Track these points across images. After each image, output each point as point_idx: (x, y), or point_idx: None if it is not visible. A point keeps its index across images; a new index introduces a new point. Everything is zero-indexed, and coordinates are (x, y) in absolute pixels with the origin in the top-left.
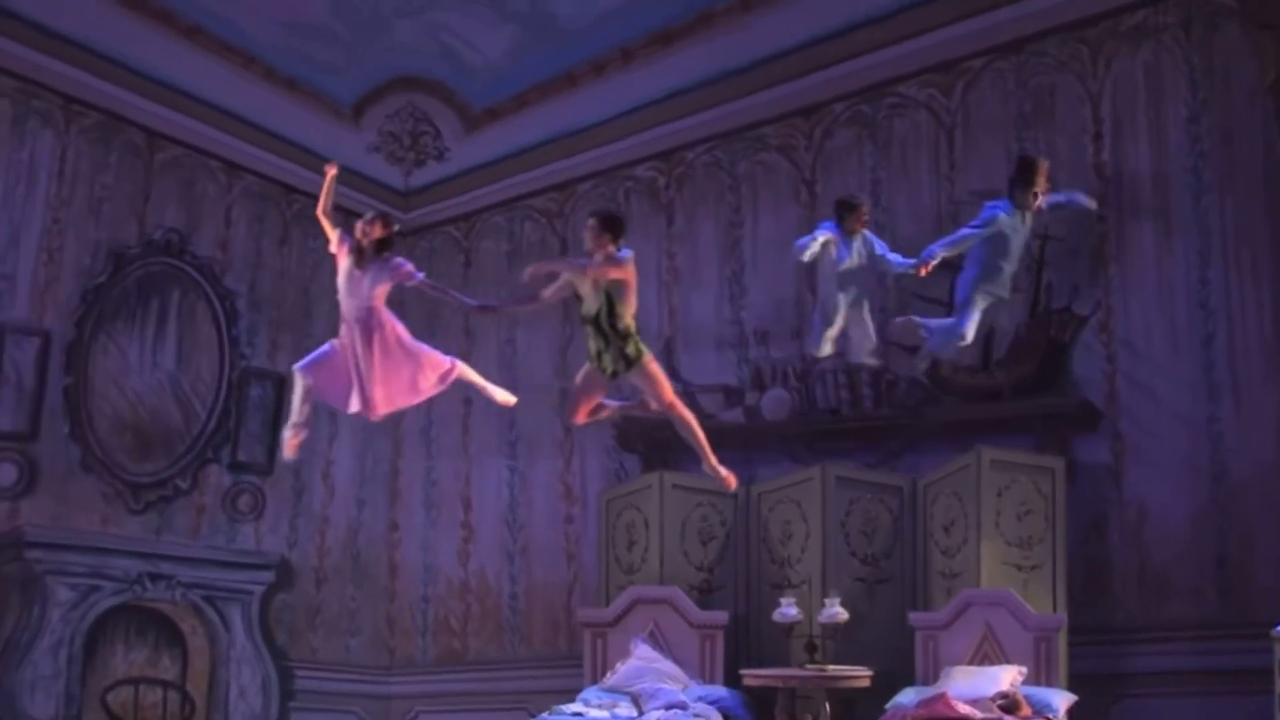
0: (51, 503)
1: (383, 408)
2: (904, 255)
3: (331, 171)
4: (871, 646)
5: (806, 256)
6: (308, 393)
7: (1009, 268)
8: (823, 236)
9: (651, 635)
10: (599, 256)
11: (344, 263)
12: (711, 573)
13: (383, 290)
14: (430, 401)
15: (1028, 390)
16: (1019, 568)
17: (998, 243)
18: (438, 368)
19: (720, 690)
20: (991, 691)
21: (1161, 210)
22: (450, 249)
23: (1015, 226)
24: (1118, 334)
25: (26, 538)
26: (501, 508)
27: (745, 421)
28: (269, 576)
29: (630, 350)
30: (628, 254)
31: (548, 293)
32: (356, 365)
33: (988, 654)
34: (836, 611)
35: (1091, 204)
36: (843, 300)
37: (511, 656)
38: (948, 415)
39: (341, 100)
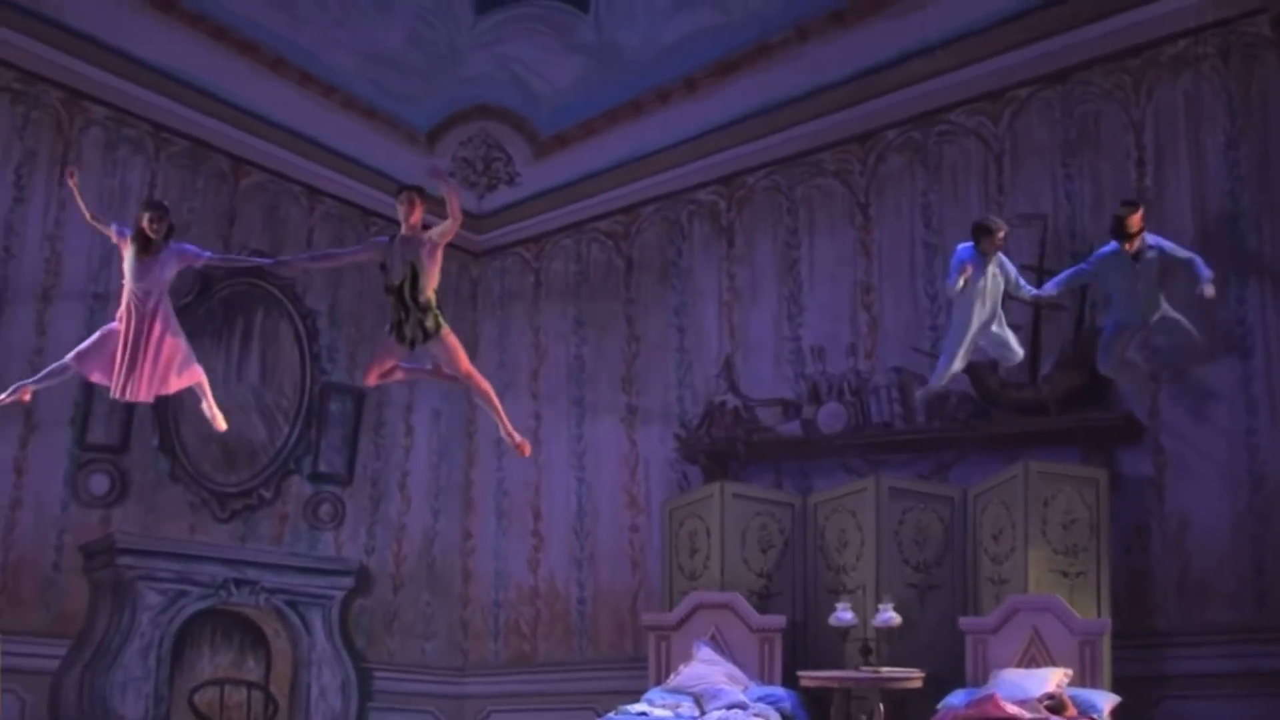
0: (142, 512)
1: (145, 393)
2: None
3: (72, 181)
4: (923, 650)
5: (958, 289)
6: (62, 371)
7: (1124, 301)
8: (965, 271)
9: (713, 638)
10: (444, 227)
11: (128, 252)
12: (770, 579)
13: (171, 275)
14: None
15: (1073, 404)
16: (1065, 574)
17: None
18: (190, 369)
19: (779, 691)
20: (1038, 693)
21: (1201, 231)
22: (521, 269)
23: (1120, 266)
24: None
25: (118, 545)
26: (570, 517)
27: (802, 434)
28: (348, 582)
29: (429, 323)
30: (431, 230)
31: (346, 259)
32: (129, 350)
33: (1035, 657)
34: (890, 616)
35: (1209, 277)
36: (976, 320)
37: (579, 659)
38: (996, 428)
39: (417, 127)
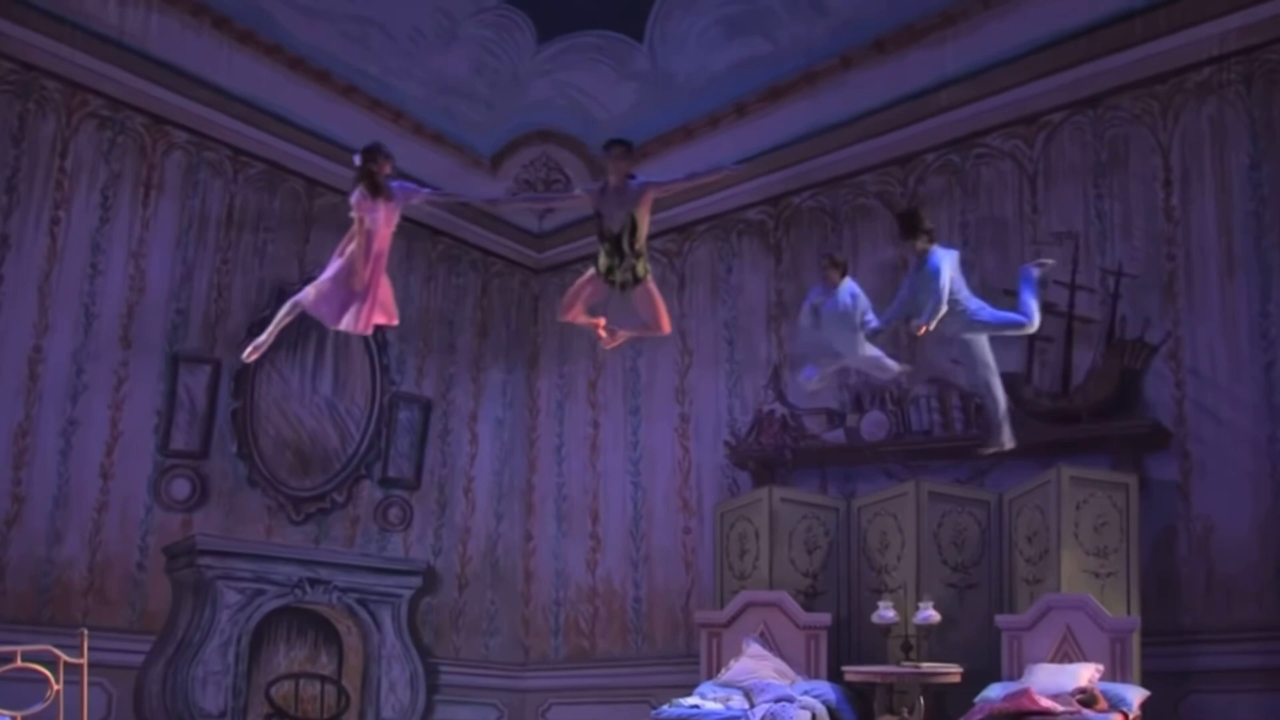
0: (221, 515)
1: (365, 326)
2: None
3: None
4: (961, 646)
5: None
6: (293, 310)
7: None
8: (812, 301)
9: (762, 635)
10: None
11: (357, 192)
12: (816, 579)
13: (398, 213)
14: (562, 421)
15: (1104, 413)
16: (1096, 575)
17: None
18: (390, 310)
19: (824, 685)
20: (1071, 687)
21: (1225, 249)
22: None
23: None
24: (1186, 362)
25: (198, 546)
26: (626, 520)
27: (846, 441)
28: (416, 582)
29: (640, 269)
30: (640, 180)
31: (558, 203)
32: (357, 285)
33: (1067, 653)
34: (930, 614)
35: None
36: (839, 345)
37: (635, 654)
38: (1031, 436)
39: (481, 151)
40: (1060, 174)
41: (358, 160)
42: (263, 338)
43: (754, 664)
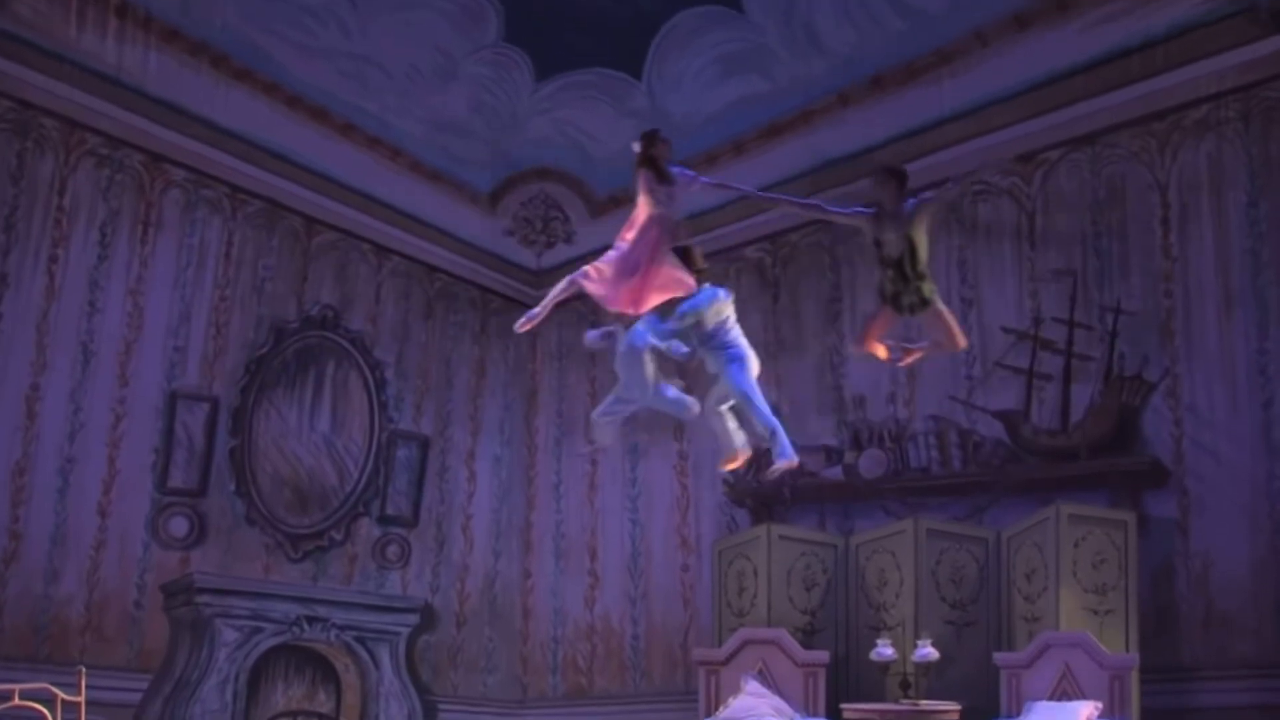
0: (219, 552)
1: (640, 307)
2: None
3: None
4: (960, 684)
5: (592, 346)
6: (568, 286)
7: None
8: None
9: (760, 673)
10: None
11: (643, 178)
12: (814, 616)
13: (680, 198)
14: (560, 459)
15: (1103, 450)
16: (1095, 612)
17: None
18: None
19: None
20: None
21: (1223, 287)
22: (577, 322)
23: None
24: (1184, 399)
25: (196, 584)
26: (624, 557)
27: (844, 479)
28: (414, 619)
29: (925, 290)
30: (913, 202)
31: (834, 216)
32: (633, 267)
33: (1066, 691)
34: (928, 652)
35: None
36: (632, 383)
37: (633, 692)
38: (1029, 473)
39: (480, 189)
40: (1058, 211)
41: (637, 146)
42: (538, 310)
43: (752, 701)
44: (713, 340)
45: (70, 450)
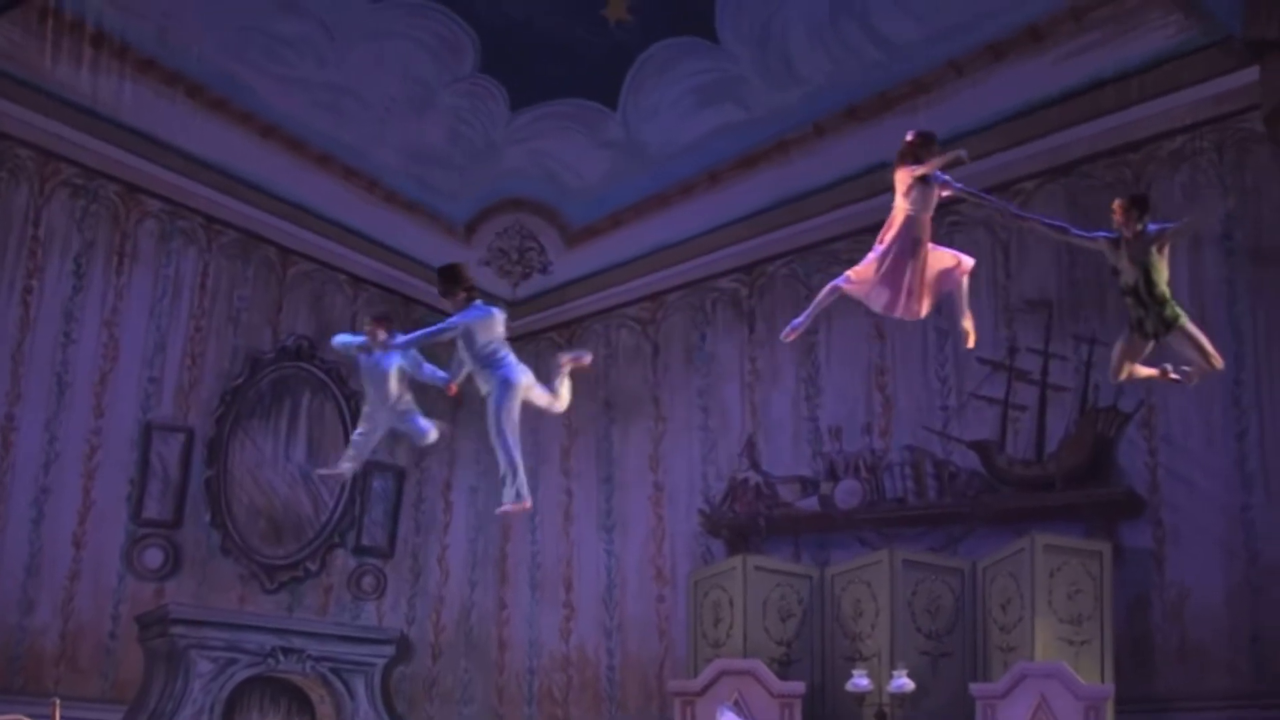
0: (193, 583)
1: (923, 309)
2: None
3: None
4: (936, 714)
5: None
6: (831, 294)
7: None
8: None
9: (736, 704)
10: (1129, 234)
11: (902, 176)
12: (790, 647)
13: (934, 202)
14: (535, 490)
15: (1078, 481)
16: (1070, 642)
17: None
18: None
19: None
20: None
21: (1199, 317)
22: (553, 353)
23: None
24: (1159, 430)
25: (171, 615)
26: (599, 588)
27: (820, 509)
28: (390, 651)
29: (1168, 313)
30: (1151, 228)
31: (1076, 239)
32: (901, 270)
33: None
34: (904, 682)
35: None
36: (378, 402)
37: None
38: (1005, 503)
39: (455, 219)
40: (1033, 241)
41: (910, 136)
42: (801, 319)
43: None
44: (485, 360)
45: (45, 480)
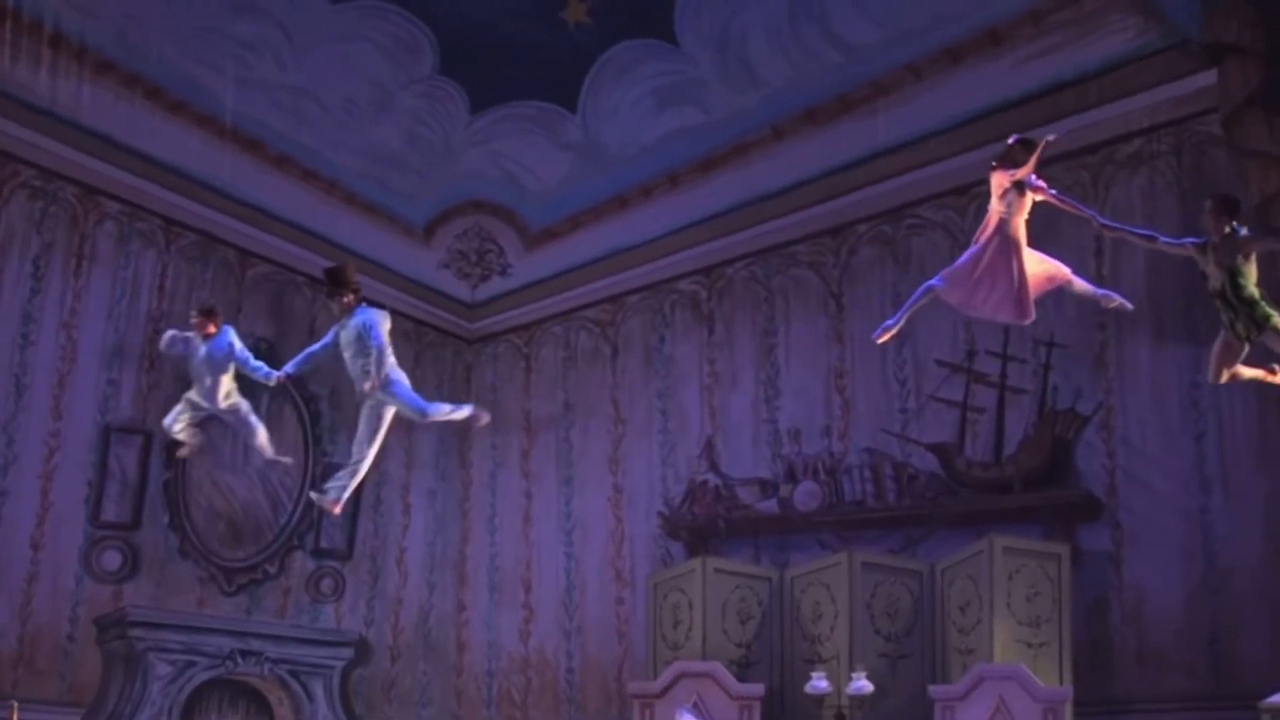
0: (152, 586)
1: (995, 313)
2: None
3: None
4: (894, 716)
5: (165, 349)
6: (925, 293)
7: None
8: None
9: (695, 706)
10: (1217, 238)
11: (996, 178)
12: (749, 649)
13: (1028, 206)
14: (495, 492)
15: (1036, 483)
16: (1029, 645)
17: None
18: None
19: None
20: None
21: (1156, 320)
22: (512, 355)
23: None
24: (1117, 432)
25: (129, 618)
26: (559, 590)
27: (779, 511)
28: (348, 653)
29: (1259, 314)
30: (1241, 231)
31: (1166, 247)
32: (989, 269)
33: None
34: (863, 684)
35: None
36: (196, 391)
37: None
38: (963, 505)
39: (414, 221)
40: None
41: (1011, 140)
42: (893, 320)
43: None
44: (372, 362)
45: (3, 483)
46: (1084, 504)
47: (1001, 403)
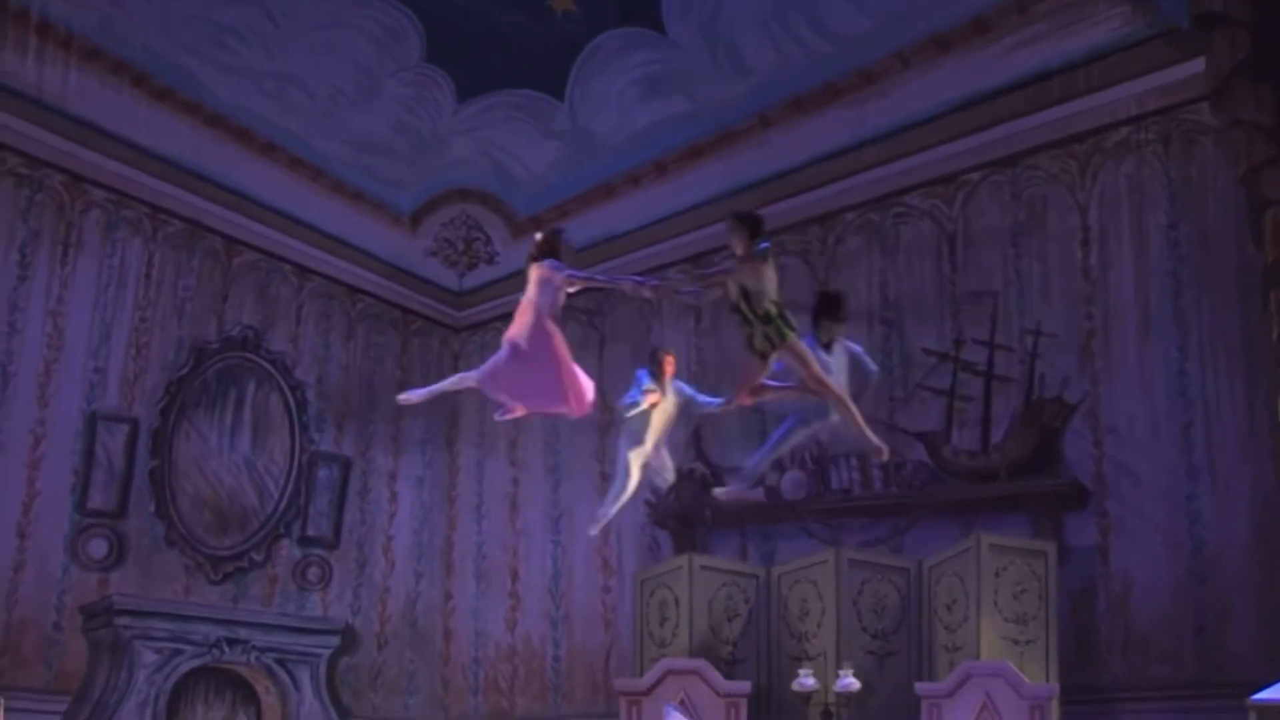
0: (138, 574)
1: (588, 404)
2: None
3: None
4: (881, 714)
5: (631, 414)
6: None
7: None
8: (650, 398)
9: (682, 703)
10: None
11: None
12: (736, 646)
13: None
14: (481, 480)
15: (1023, 472)
16: (1015, 642)
17: None
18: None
19: None
20: None
21: (1144, 308)
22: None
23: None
24: (1104, 421)
25: (115, 606)
26: (545, 579)
27: (766, 500)
28: (335, 641)
29: (773, 332)
30: (764, 247)
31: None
32: (556, 367)
33: None
34: (850, 682)
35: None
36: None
37: (555, 714)
38: (950, 494)
39: (401, 210)
40: (979, 233)
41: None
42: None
43: None
44: None
45: None
46: (1071, 492)
47: (988, 392)
